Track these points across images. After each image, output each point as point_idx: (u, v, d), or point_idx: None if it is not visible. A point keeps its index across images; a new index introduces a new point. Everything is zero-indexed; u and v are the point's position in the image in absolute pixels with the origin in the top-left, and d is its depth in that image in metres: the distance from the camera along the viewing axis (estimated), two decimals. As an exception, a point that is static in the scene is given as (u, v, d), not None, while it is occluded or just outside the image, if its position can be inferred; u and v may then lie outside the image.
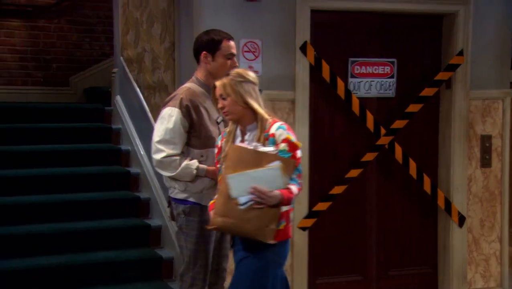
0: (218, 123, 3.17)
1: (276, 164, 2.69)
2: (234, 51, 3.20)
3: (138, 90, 5.08)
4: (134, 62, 5.24)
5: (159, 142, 3.13)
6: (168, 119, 3.13)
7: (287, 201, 2.76)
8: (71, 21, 6.83)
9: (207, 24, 3.96)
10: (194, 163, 3.16)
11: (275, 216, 2.74)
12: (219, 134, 3.09)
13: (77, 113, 5.77)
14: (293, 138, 2.84)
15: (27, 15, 6.56)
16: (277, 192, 2.71)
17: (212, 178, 3.15)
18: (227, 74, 2.90)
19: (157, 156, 3.14)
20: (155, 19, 4.65)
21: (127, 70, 5.37)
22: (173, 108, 3.13)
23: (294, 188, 2.79)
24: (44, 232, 4.30)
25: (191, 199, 3.20)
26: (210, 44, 3.17)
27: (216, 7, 3.99)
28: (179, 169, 3.13)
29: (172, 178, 3.19)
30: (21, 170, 4.88)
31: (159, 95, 4.67)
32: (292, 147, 2.81)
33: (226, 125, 3.10)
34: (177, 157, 3.13)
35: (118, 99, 5.66)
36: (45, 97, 6.55)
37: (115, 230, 4.52)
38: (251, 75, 2.93)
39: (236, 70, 2.97)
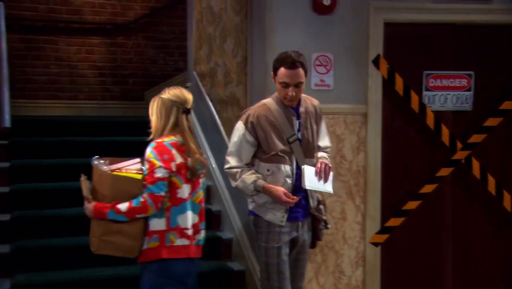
0: (289, 143, 3.15)
1: (82, 177, 2.94)
2: (288, 80, 3.09)
3: (210, 104, 5.13)
4: (206, 76, 5.30)
5: (227, 153, 3.29)
6: (235, 132, 3.26)
7: (97, 214, 2.82)
8: (147, 37, 7.01)
9: (279, 38, 3.97)
10: (251, 177, 3.17)
11: (98, 228, 2.85)
12: (291, 152, 3.16)
13: (149, 127, 5.86)
14: (152, 156, 2.81)
15: (107, 33, 6.78)
16: (90, 204, 2.84)
17: (269, 196, 3.16)
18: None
19: (224, 167, 3.29)
20: (228, 34, 4.69)
21: (200, 84, 5.44)
22: (240, 123, 3.24)
23: (122, 205, 2.79)
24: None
25: (256, 211, 3.26)
26: (273, 67, 3.22)
27: (288, 21, 3.98)
28: (238, 181, 3.20)
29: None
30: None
31: (231, 109, 4.69)
32: (150, 165, 2.82)
33: (302, 144, 3.20)
34: (238, 169, 3.21)
35: (191, 113, 5.71)
36: (122, 111, 6.74)
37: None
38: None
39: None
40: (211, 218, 4.84)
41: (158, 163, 2.81)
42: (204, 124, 5.35)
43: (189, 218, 2.90)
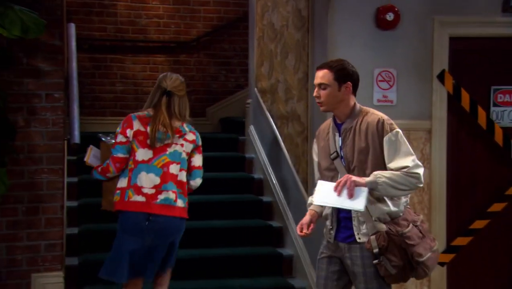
0: (332, 159, 2.96)
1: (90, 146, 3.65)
2: (315, 80, 2.96)
3: (271, 120, 5.13)
4: (267, 92, 5.30)
5: None
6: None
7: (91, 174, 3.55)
8: (209, 55, 7.10)
9: (341, 54, 3.91)
10: (310, 198, 3.04)
11: (107, 191, 3.51)
12: (335, 169, 2.93)
13: (213, 143, 5.91)
14: (118, 126, 3.42)
15: (171, 51, 6.91)
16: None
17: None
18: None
19: None
20: (289, 50, 4.68)
21: (261, 100, 5.45)
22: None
23: (98, 167, 3.49)
24: (182, 257, 4.38)
25: None
26: None
27: (350, 36, 3.94)
28: None
29: None
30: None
31: (292, 125, 4.67)
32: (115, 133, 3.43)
33: (345, 161, 2.91)
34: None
35: (252, 129, 5.74)
36: (184, 127, 6.81)
37: (248, 258, 4.53)
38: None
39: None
40: (272, 234, 4.81)
41: (118, 130, 3.41)
42: (265, 140, 5.35)
43: (145, 179, 3.35)
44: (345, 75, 2.94)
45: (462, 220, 4.14)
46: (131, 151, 3.40)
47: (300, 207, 4.45)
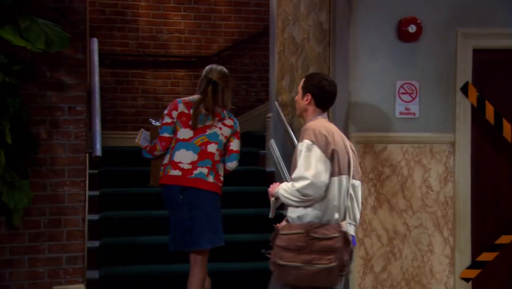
0: None
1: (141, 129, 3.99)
2: None
3: (292, 133, 5.10)
4: (288, 106, 5.28)
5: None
6: None
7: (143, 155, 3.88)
8: (230, 69, 6.96)
9: (363, 66, 3.90)
10: None
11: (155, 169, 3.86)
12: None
13: (234, 156, 5.89)
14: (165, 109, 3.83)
15: (192, 65, 6.94)
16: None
17: None
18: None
19: None
20: (310, 64, 4.66)
21: (282, 114, 5.43)
22: None
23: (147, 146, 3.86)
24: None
25: None
26: None
27: (372, 49, 3.91)
28: None
29: None
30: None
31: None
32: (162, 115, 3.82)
33: None
34: None
35: (272, 142, 5.72)
36: (205, 141, 6.81)
37: (270, 273, 4.46)
38: None
39: None
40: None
41: (164, 112, 3.81)
42: (285, 154, 5.31)
43: (184, 155, 3.71)
44: (308, 86, 3.15)
45: (487, 235, 4.05)
46: (174, 131, 3.77)
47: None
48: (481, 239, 4.05)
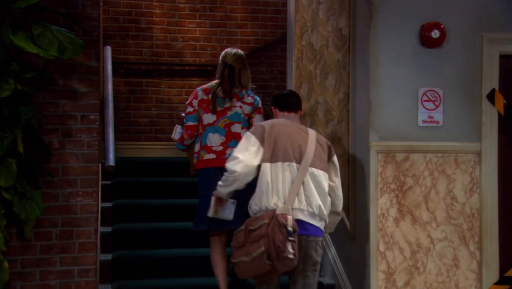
0: None
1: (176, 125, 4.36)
2: None
3: (310, 143, 5.06)
4: (307, 115, 5.27)
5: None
6: None
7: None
8: (246, 78, 7.11)
9: (384, 73, 3.89)
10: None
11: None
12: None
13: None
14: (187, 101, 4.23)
15: (207, 74, 6.96)
16: None
17: None
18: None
19: None
20: (329, 71, 4.65)
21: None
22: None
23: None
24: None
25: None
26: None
27: (394, 54, 3.90)
28: None
29: None
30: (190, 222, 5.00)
31: (333, 147, 4.60)
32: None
33: None
34: None
35: (290, 153, 5.69)
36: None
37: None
38: None
39: None
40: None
41: (186, 102, 4.22)
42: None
43: (212, 138, 4.08)
44: (272, 103, 3.91)
45: (516, 248, 4.00)
46: (199, 119, 4.11)
47: (341, 236, 4.36)
48: (509, 254, 3.99)
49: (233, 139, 4.04)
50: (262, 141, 3.52)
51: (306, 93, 5.27)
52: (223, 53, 4.25)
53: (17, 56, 3.68)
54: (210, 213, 3.76)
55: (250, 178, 3.51)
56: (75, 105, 3.98)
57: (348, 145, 4.25)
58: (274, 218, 3.33)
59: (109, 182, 5.40)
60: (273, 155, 3.49)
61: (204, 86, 4.19)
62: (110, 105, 4.59)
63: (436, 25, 3.87)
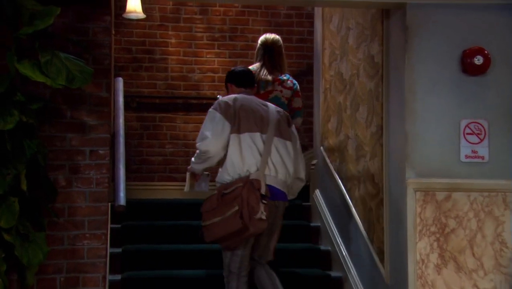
0: None
1: None
2: None
3: (340, 182, 5.04)
4: (335, 151, 5.24)
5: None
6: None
7: None
8: (268, 113, 7.10)
9: (422, 103, 3.85)
10: None
11: None
12: None
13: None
14: None
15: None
16: None
17: None
18: None
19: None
20: (360, 102, 4.63)
21: (328, 160, 5.38)
22: None
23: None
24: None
25: None
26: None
27: (432, 83, 3.87)
28: None
29: None
30: (205, 270, 4.98)
31: (364, 186, 4.55)
32: None
33: None
34: None
35: (317, 193, 5.66)
36: (240, 193, 6.77)
37: None
38: None
39: None
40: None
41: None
42: (332, 206, 5.24)
43: None
44: (226, 80, 4.44)
45: None
46: None
47: (376, 284, 4.27)
48: None
49: None
50: (226, 116, 3.99)
51: (335, 127, 5.25)
52: (262, 38, 4.84)
53: (22, 85, 3.70)
54: (186, 188, 4.19)
55: (222, 154, 3.99)
56: (84, 139, 3.99)
57: (382, 183, 4.20)
58: (249, 182, 3.85)
59: (119, 226, 5.37)
60: (240, 127, 3.98)
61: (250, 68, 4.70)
62: (121, 140, 4.61)
63: (480, 51, 3.84)
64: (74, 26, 3.99)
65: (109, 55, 4.11)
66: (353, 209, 4.73)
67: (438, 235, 3.82)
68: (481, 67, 3.85)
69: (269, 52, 4.76)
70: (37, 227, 3.75)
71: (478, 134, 3.89)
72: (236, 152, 3.96)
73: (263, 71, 4.66)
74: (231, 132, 3.98)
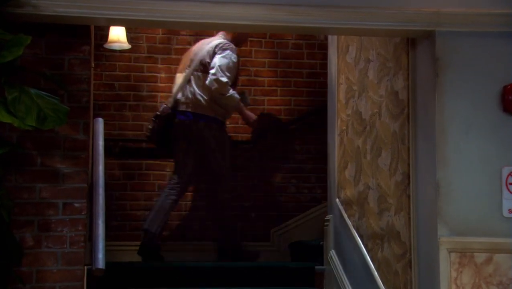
0: None
1: None
2: None
3: (359, 240, 5.02)
4: (353, 204, 5.23)
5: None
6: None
7: None
8: (274, 159, 7.13)
9: (455, 147, 3.88)
10: None
11: None
12: None
13: (281, 275, 5.82)
14: None
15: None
16: None
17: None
18: None
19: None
20: (382, 146, 4.64)
21: (345, 215, 5.37)
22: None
23: None
24: None
25: None
26: None
27: (467, 123, 3.90)
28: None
29: None
30: None
31: (389, 246, 4.53)
32: None
33: None
34: None
35: (333, 254, 5.63)
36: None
37: None
38: None
39: None
40: None
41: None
42: (351, 270, 5.21)
43: None
44: None
45: None
46: None
47: None
48: None
49: None
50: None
51: (353, 176, 5.26)
52: None
53: (-15, 128, 3.74)
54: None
55: None
56: (56, 190, 4.00)
57: (410, 241, 4.18)
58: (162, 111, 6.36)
59: (96, 293, 5.32)
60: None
61: None
62: (101, 191, 4.59)
63: (523, 87, 3.89)
64: (47, 58, 4.04)
65: (88, 92, 4.14)
66: (375, 273, 4.70)
67: (477, 305, 3.80)
68: (525, 106, 3.89)
69: None
70: (-1, 296, 3.73)
71: (524, 184, 3.91)
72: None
73: None
74: None
